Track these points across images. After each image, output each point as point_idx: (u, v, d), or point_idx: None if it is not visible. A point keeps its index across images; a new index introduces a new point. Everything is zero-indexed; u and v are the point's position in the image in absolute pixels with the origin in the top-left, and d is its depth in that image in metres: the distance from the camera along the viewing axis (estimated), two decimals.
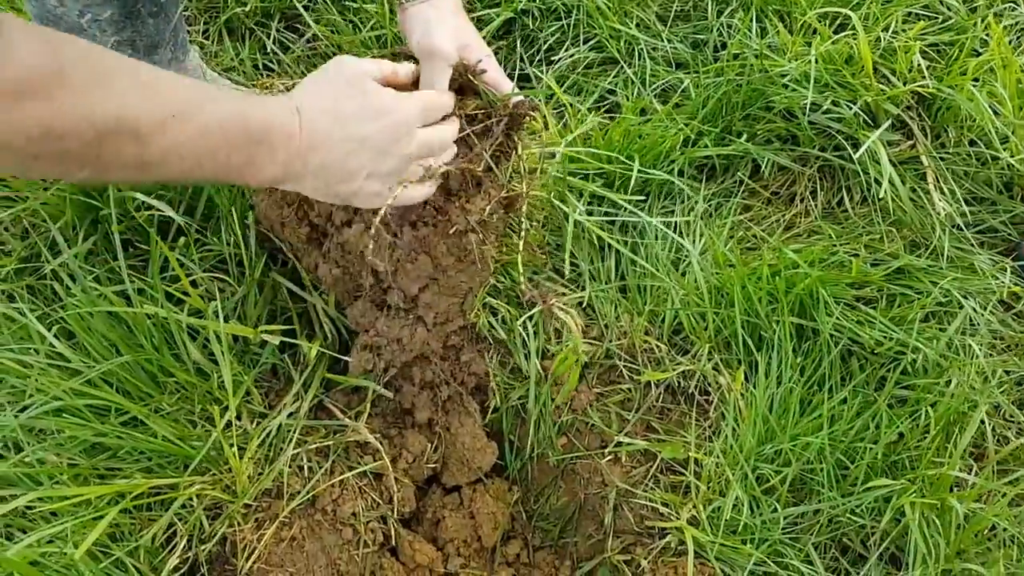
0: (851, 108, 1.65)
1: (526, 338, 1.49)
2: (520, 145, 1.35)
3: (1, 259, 1.41)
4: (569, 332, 1.44)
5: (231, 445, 1.26)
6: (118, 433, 1.23)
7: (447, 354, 1.44)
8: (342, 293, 1.41)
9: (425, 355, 1.39)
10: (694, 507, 1.38)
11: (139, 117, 0.85)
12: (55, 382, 1.22)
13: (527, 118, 1.31)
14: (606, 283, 1.56)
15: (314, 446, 1.37)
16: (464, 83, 1.25)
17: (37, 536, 1.12)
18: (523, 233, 1.42)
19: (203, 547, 1.26)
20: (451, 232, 1.29)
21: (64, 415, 1.23)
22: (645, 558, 1.39)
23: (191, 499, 1.26)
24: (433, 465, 1.48)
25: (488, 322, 1.45)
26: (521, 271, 1.43)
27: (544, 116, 1.62)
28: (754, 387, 1.43)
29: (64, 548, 1.11)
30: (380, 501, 1.40)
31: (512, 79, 1.81)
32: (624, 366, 1.53)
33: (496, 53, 1.76)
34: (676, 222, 1.61)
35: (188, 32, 1.69)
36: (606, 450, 1.48)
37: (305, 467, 1.36)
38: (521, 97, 1.29)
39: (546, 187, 1.52)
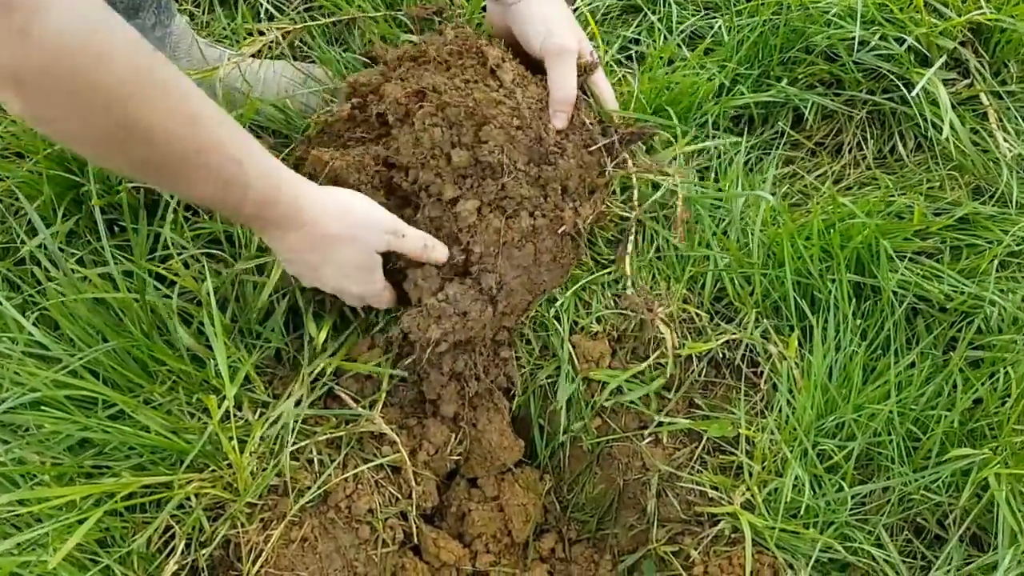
0: (901, 45, 1.51)
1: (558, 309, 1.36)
2: (631, 162, 1.41)
3: None
4: (664, 347, 1.35)
5: (230, 438, 1.13)
6: (104, 427, 1.11)
7: (488, 348, 1.37)
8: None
9: (472, 340, 1.31)
10: (748, 490, 1.25)
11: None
12: (33, 373, 1.11)
13: (648, 138, 1.43)
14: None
15: (324, 437, 1.25)
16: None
17: (15, 541, 1.00)
18: (630, 241, 1.41)
19: (204, 551, 1.13)
20: (559, 230, 1.31)
21: (44, 408, 1.11)
22: (695, 548, 1.26)
23: (188, 499, 1.14)
24: (456, 457, 1.37)
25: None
26: (629, 273, 1.39)
27: None
28: (810, 354, 1.29)
29: (44, 557, 0.99)
30: (399, 496, 1.29)
31: None
32: (662, 338, 1.39)
33: None
34: (713, 178, 1.47)
35: None
36: (646, 431, 1.35)
37: (315, 460, 1.24)
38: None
39: None
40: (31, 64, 0.75)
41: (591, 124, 1.38)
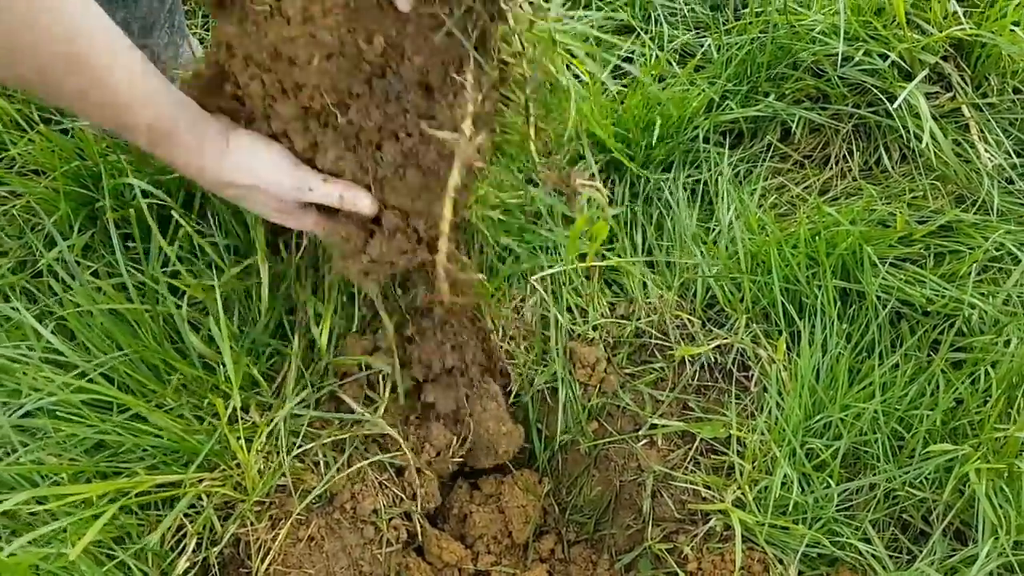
0: (884, 60, 1.56)
1: (556, 313, 1.41)
2: (510, 14, 1.08)
3: None
4: (599, 206, 1.21)
5: (238, 438, 1.18)
6: (119, 429, 1.16)
7: (458, 318, 1.35)
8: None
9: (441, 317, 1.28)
10: (739, 488, 1.29)
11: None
12: (50, 379, 1.15)
13: None
14: (632, 257, 1.47)
15: (328, 440, 1.29)
16: None
17: (33, 536, 1.04)
18: (531, 118, 1.18)
19: (214, 548, 1.17)
20: (442, 137, 1.06)
21: (62, 413, 1.15)
22: (688, 545, 1.29)
23: (200, 498, 1.18)
24: (459, 460, 1.39)
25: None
26: (535, 151, 1.18)
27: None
28: (798, 357, 1.33)
29: (62, 550, 1.03)
30: (403, 496, 1.32)
31: None
32: (655, 344, 1.44)
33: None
34: (703, 190, 1.52)
35: (187, 20, 1.63)
36: (640, 433, 1.39)
37: (321, 462, 1.28)
38: None
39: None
40: None
41: None
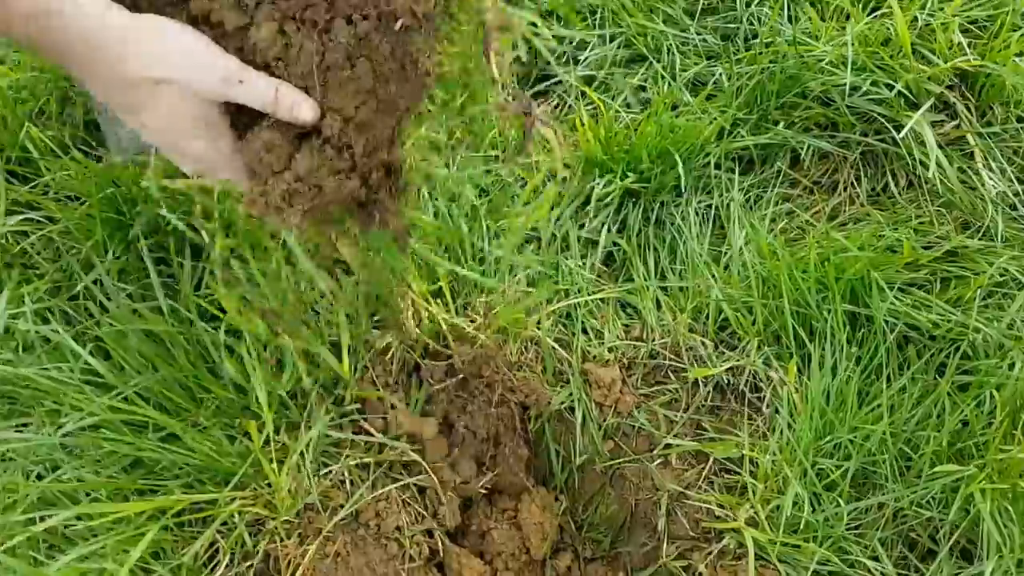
0: (891, 89, 1.60)
1: (569, 340, 1.45)
2: None
3: (33, 281, 1.40)
4: (549, 147, 1.10)
5: (270, 460, 1.22)
6: (156, 448, 1.20)
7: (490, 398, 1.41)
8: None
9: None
10: (752, 507, 1.33)
11: None
12: (90, 399, 1.20)
13: None
14: (645, 280, 1.52)
15: (355, 462, 1.33)
16: None
17: (77, 553, 1.09)
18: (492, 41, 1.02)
19: (247, 563, 1.22)
20: (397, 28, 0.93)
21: (102, 431, 1.20)
22: (703, 563, 1.33)
23: (232, 515, 1.23)
24: (483, 491, 1.44)
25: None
26: (497, 76, 1.03)
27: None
28: (808, 379, 1.37)
29: (104, 565, 1.08)
30: (425, 514, 1.36)
31: (538, 80, 1.80)
32: (669, 365, 1.48)
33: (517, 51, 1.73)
34: (715, 215, 1.56)
35: None
36: (655, 453, 1.43)
37: (347, 481, 1.32)
38: None
39: None
40: None
41: None
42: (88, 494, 1.18)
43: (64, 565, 1.07)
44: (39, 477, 1.21)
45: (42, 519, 1.13)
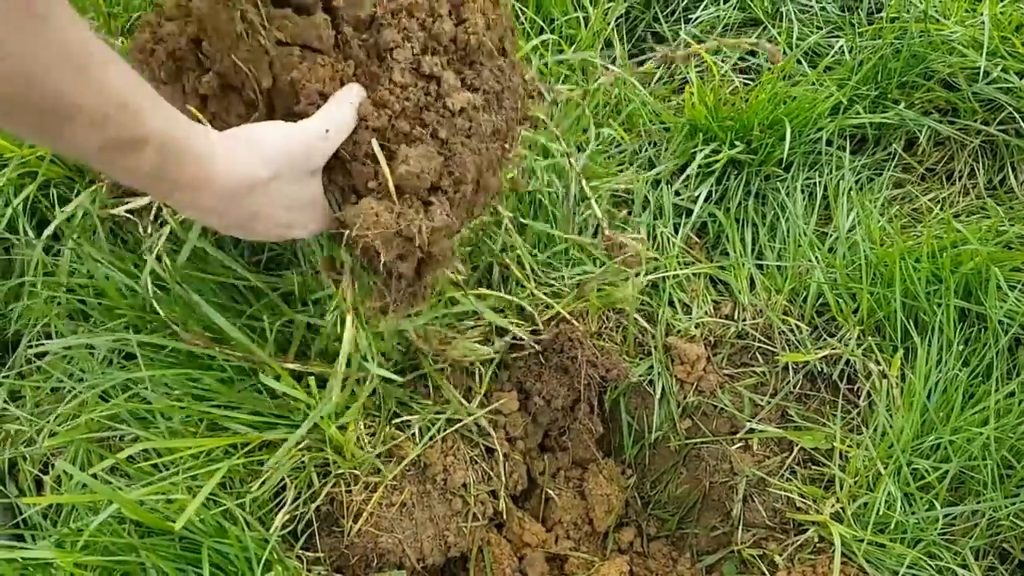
0: (1021, 78, 1.50)
1: (653, 312, 1.39)
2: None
3: None
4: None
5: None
6: (225, 384, 1.16)
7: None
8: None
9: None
10: (838, 501, 1.26)
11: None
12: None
13: None
14: (741, 256, 1.44)
15: (428, 416, 1.29)
16: None
17: (156, 484, 1.06)
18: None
19: (312, 505, 1.18)
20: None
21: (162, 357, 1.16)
22: (779, 554, 1.27)
23: (302, 457, 1.19)
24: (552, 457, 1.41)
25: None
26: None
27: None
28: (911, 374, 1.29)
29: (173, 493, 1.05)
30: (491, 475, 1.32)
31: (645, 37, 1.72)
32: (759, 347, 1.41)
33: (627, 8, 1.66)
34: (821, 193, 1.48)
35: None
36: (736, 436, 1.36)
37: (416, 433, 1.28)
38: None
39: None
40: None
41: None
42: (162, 415, 1.15)
43: (142, 492, 1.04)
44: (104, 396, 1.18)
45: (110, 441, 1.11)
